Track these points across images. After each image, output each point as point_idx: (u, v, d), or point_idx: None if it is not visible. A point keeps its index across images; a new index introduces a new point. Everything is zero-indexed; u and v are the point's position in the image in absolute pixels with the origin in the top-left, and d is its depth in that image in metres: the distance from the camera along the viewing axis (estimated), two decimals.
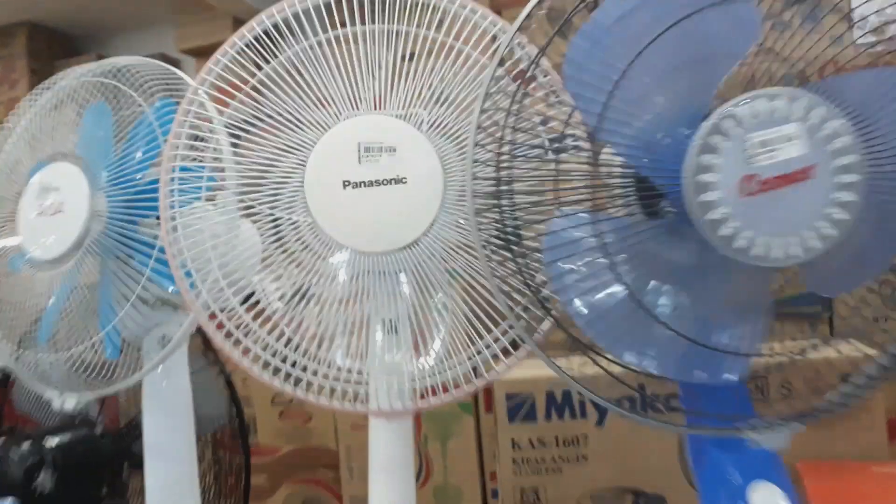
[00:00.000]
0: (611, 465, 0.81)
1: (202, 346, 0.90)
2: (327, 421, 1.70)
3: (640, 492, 0.81)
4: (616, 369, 0.53)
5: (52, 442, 1.00)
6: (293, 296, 0.55)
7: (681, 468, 0.80)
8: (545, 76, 0.56)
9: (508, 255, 0.51)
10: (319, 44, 0.58)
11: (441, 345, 0.55)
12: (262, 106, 0.58)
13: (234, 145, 0.58)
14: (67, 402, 0.69)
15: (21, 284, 0.70)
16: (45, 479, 0.98)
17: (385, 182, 0.55)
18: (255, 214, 0.56)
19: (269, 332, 0.55)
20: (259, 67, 0.59)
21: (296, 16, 0.58)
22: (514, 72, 0.55)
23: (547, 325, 0.54)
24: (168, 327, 0.68)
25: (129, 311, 0.65)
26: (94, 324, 0.67)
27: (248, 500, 1.11)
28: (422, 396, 0.55)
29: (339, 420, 1.66)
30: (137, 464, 1.05)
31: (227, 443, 1.05)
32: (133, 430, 1.08)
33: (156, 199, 0.58)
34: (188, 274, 0.56)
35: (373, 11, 0.57)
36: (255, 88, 0.58)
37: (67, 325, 0.67)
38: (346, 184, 0.56)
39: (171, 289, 0.62)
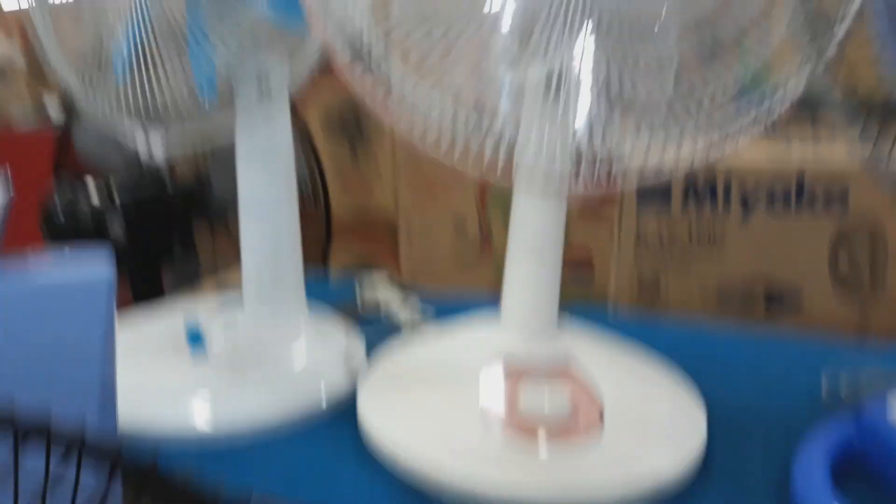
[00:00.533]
0: (747, 262, 0.73)
1: None
2: (386, 190, 1.64)
3: (775, 291, 0.74)
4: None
5: (123, 191, 0.93)
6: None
7: (828, 272, 0.72)
8: None
9: None
10: None
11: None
12: None
13: None
14: (153, 144, 0.59)
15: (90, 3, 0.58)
16: (115, 228, 0.92)
17: None
18: None
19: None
20: None
21: None
22: None
23: None
24: (273, 67, 0.57)
25: (229, 40, 0.53)
26: (184, 55, 0.55)
27: (328, 259, 1.06)
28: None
29: (401, 190, 1.60)
30: (206, 215, 0.99)
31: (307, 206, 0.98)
32: (204, 187, 1.01)
33: None
34: None
35: None
36: None
37: (150, 55, 0.56)
38: None
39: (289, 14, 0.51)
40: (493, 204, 1.52)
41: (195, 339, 0.57)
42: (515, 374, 0.49)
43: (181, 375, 0.54)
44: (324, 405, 0.53)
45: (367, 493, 0.45)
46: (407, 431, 0.47)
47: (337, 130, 1.63)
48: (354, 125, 1.62)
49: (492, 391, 0.48)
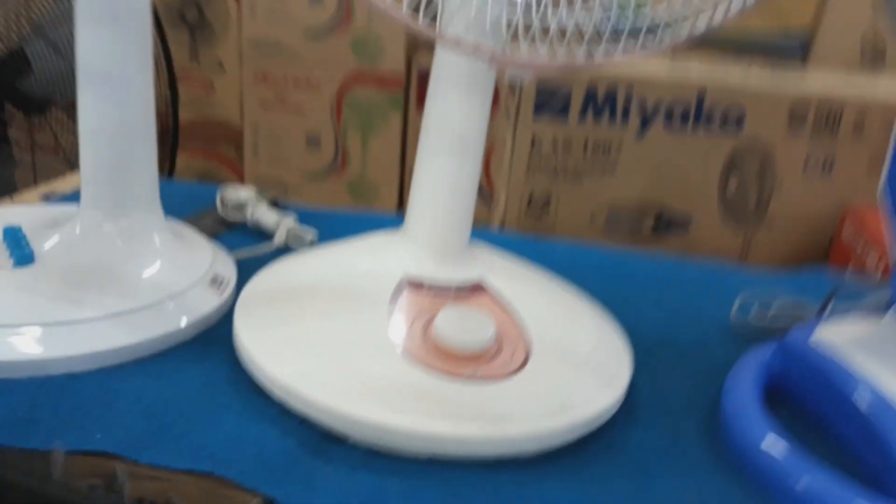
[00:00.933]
0: (640, 181, 0.70)
1: None
2: (231, 94, 1.48)
3: (665, 213, 0.71)
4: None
5: None
6: None
7: (717, 196, 0.71)
8: None
9: None
10: None
11: None
12: None
13: None
14: None
15: None
16: None
17: None
18: None
19: None
20: None
21: None
22: None
23: None
24: None
25: None
26: None
27: (174, 168, 0.93)
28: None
29: (246, 95, 1.45)
30: (23, 105, 0.83)
31: None
32: (16, 63, 0.83)
33: None
34: None
35: None
36: None
37: None
38: None
39: None
40: (350, 120, 1.42)
41: (18, 246, 0.45)
42: (428, 298, 0.43)
43: (1, 291, 0.43)
44: (183, 326, 0.44)
45: (253, 434, 0.37)
46: (301, 361, 0.39)
47: (176, 17, 1.44)
48: (196, 11, 1.44)
49: (400, 317, 0.41)
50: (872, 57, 0.99)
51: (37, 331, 0.41)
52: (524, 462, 0.38)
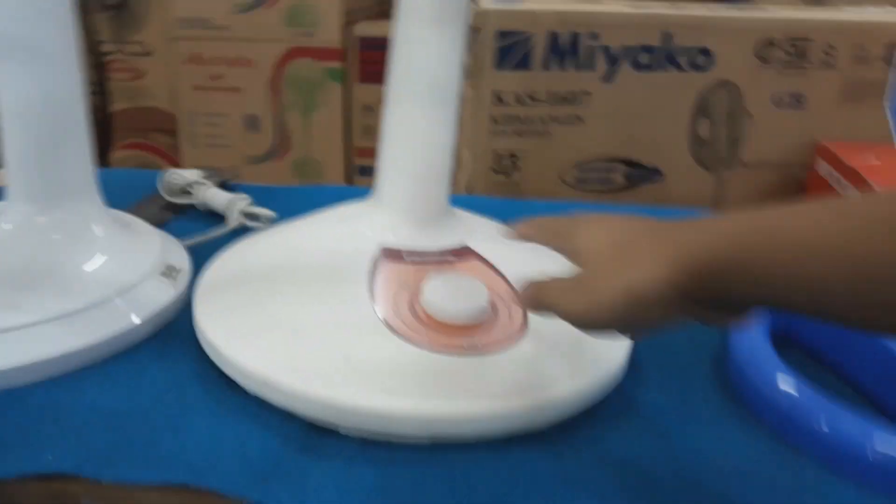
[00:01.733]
0: (608, 131, 0.67)
1: None
2: (161, 79, 1.40)
3: (635, 163, 0.68)
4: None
5: None
6: None
7: (688, 142, 0.68)
8: None
9: None
10: None
11: None
12: None
13: None
14: None
15: None
16: None
17: None
18: None
19: None
20: None
21: None
22: None
23: None
24: None
25: None
26: None
27: (108, 156, 0.86)
28: None
29: (178, 79, 1.37)
30: None
31: None
32: None
33: None
34: None
35: None
36: None
37: None
38: None
39: None
40: (288, 96, 1.36)
41: None
42: (410, 267, 0.39)
43: None
44: (137, 324, 0.39)
45: (230, 435, 0.33)
46: (277, 349, 0.35)
47: (95, 1, 1.35)
48: None
49: (382, 291, 0.37)
50: None
51: None
52: (535, 437, 0.34)
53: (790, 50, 0.66)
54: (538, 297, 0.30)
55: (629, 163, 0.68)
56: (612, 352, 0.38)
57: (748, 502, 0.32)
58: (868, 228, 0.22)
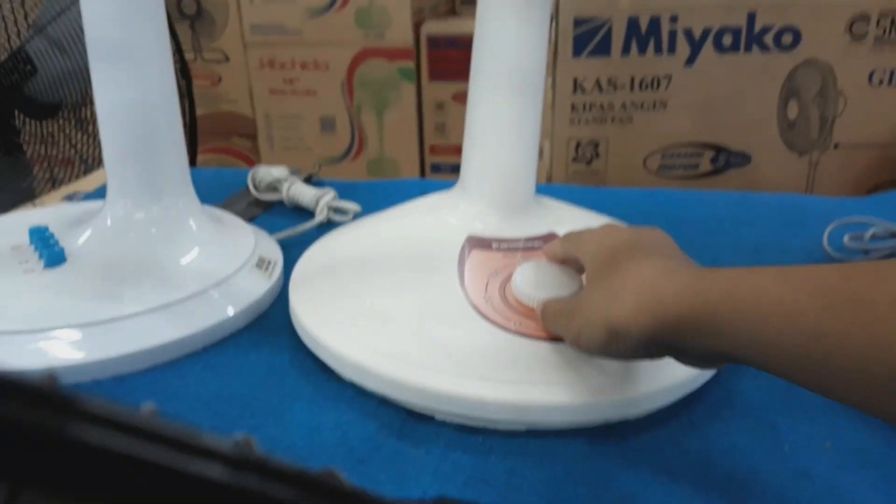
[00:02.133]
0: (693, 115, 0.65)
1: None
2: (238, 85, 1.44)
3: (722, 147, 0.66)
4: None
5: None
6: None
7: (777, 124, 0.65)
8: None
9: None
10: None
11: None
12: None
13: None
14: None
15: None
16: None
17: None
18: None
19: None
20: None
21: None
22: None
23: None
24: None
25: None
26: None
27: (196, 153, 0.89)
28: None
29: (255, 84, 1.41)
30: (32, 110, 0.79)
31: None
32: (21, 66, 0.79)
33: None
34: None
35: None
36: None
37: None
38: None
39: None
40: (362, 97, 1.37)
41: (46, 246, 0.41)
42: (499, 255, 0.38)
43: (33, 294, 0.39)
44: (232, 315, 0.40)
45: (330, 421, 0.33)
46: (373, 337, 0.35)
47: (174, 11, 1.39)
48: (195, 2, 1.39)
49: (472, 279, 0.37)
50: None
51: (74, 333, 0.37)
52: (633, 426, 0.33)
53: (885, 26, 0.63)
54: (541, 318, 0.33)
55: (715, 147, 0.66)
56: None
57: (866, 498, 0.30)
58: (813, 298, 0.23)
